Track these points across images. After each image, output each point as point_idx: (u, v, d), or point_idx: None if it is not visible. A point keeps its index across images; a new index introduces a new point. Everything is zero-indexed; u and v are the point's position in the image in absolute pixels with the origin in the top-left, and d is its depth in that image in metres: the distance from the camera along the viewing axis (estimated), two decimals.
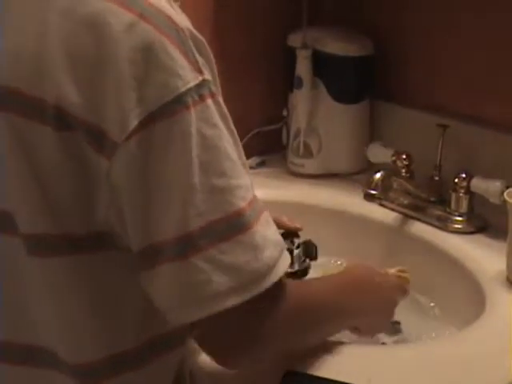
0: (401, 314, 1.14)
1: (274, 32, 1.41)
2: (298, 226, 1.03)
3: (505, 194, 1.05)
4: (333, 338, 1.03)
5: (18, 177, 0.68)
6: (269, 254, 0.71)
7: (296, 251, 1.02)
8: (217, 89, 0.71)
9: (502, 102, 1.22)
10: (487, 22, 1.21)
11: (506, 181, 1.12)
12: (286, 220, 1.03)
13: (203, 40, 0.70)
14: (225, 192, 0.68)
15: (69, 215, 0.68)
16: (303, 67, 1.33)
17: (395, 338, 1.08)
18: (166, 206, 0.66)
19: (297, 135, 1.37)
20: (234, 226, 0.69)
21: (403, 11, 1.33)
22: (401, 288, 0.97)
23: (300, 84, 1.33)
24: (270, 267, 0.71)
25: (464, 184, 1.17)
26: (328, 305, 0.83)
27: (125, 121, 0.64)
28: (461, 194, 1.18)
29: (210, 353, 0.76)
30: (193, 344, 0.81)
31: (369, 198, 1.27)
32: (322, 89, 1.34)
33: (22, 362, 0.75)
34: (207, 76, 0.69)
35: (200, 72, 0.68)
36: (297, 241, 1.03)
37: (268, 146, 1.45)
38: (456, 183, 1.18)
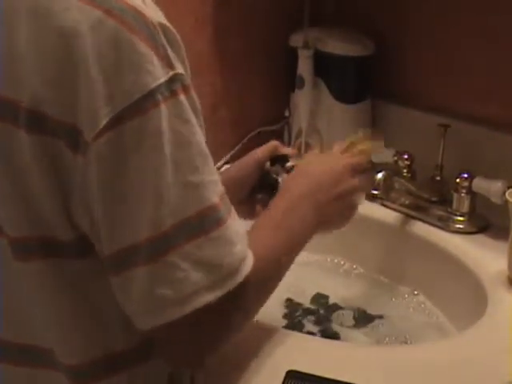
0: (400, 312, 1.14)
1: (275, 32, 1.41)
2: (291, 150, 1.03)
3: (506, 193, 1.05)
4: (333, 338, 1.04)
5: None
6: (240, 247, 0.71)
7: (282, 177, 1.01)
8: (189, 82, 0.70)
9: (503, 101, 1.22)
10: (488, 21, 1.21)
11: (507, 181, 1.12)
12: (278, 144, 1.03)
13: (175, 33, 0.68)
14: (199, 188, 0.68)
15: (48, 217, 0.68)
16: (305, 67, 1.33)
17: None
18: (138, 207, 0.65)
19: (298, 135, 1.37)
20: (209, 221, 0.68)
21: (404, 11, 1.33)
22: (349, 185, 0.92)
23: (302, 84, 1.33)
24: (242, 260, 0.71)
25: (466, 184, 1.17)
26: (282, 257, 0.82)
27: (95, 119, 0.63)
28: (462, 194, 1.18)
29: (179, 356, 0.74)
30: None
31: (370, 197, 1.27)
32: (324, 89, 1.34)
33: (20, 361, 0.75)
34: (179, 70, 0.67)
35: (171, 66, 0.66)
36: (288, 164, 1.02)
37: None
38: (458, 183, 1.18)
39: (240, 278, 0.71)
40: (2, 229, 0.70)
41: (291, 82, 1.36)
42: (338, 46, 1.33)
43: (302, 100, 1.35)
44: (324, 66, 1.33)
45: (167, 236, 0.66)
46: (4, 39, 0.66)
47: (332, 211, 0.91)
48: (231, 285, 0.70)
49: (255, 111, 1.43)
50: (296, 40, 1.35)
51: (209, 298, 0.68)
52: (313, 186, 0.89)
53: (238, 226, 0.72)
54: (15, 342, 0.75)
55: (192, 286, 0.67)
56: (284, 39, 1.38)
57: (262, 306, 0.80)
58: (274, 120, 1.44)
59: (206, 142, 0.71)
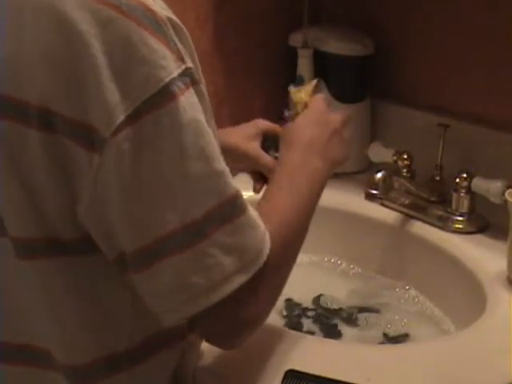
0: (399, 311, 1.14)
1: (274, 31, 1.41)
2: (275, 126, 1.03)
3: (506, 193, 1.05)
4: (334, 336, 1.03)
5: (5, 179, 0.68)
6: (261, 229, 0.72)
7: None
8: (198, 76, 0.70)
9: (502, 101, 1.22)
10: (488, 21, 1.21)
11: (506, 180, 1.12)
12: (268, 124, 1.04)
13: (183, 27, 0.69)
14: (224, 175, 0.69)
15: (54, 217, 0.68)
16: (304, 67, 1.33)
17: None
18: (164, 201, 0.66)
19: None
20: (235, 207, 0.69)
21: (404, 11, 1.33)
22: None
23: (301, 83, 1.33)
24: (264, 240, 0.72)
25: (465, 184, 1.17)
26: (299, 214, 0.82)
27: (111, 116, 0.63)
28: (462, 194, 1.18)
29: (217, 339, 0.76)
30: (194, 343, 0.81)
31: (370, 197, 1.27)
32: (323, 88, 1.34)
33: (20, 362, 0.75)
34: (189, 64, 0.68)
35: (182, 61, 0.67)
36: None
37: None
38: (457, 183, 1.18)
39: (264, 257, 0.72)
40: (5, 228, 0.70)
41: (291, 81, 1.36)
42: (337, 46, 1.33)
43: None
44: (323, 65, 1.33)
45: (198, 225, 0.67)
46: (11, 39, 0.66)
47: (334, 149, 0.91)
48: (258, 265, 0.71)
49: (254, 111, 1.43)
50: (295, 39, 1.35)
51: (240, 280, 0.70)
52: (308, 139, 0.89)
53: (254, 210, 0.73)
54: (14, 343, 0.75)
55: (223, 271, 0.68)
56: (283, 39, 1.38)
57: (289, 269, 0.80)
58: (273, 119, 1.44)
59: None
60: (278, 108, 1.42)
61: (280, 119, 1.41)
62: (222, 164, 0.69)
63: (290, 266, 0.80)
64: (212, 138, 0.69)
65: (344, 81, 1.35)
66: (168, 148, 0.65)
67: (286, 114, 1.41)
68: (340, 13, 1.44)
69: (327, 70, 1.34)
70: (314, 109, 0.95)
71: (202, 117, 0.68)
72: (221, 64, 1.36)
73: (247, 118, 1.41)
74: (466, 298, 1.07)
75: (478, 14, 1.22)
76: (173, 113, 0.65)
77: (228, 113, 1.39)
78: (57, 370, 0.74)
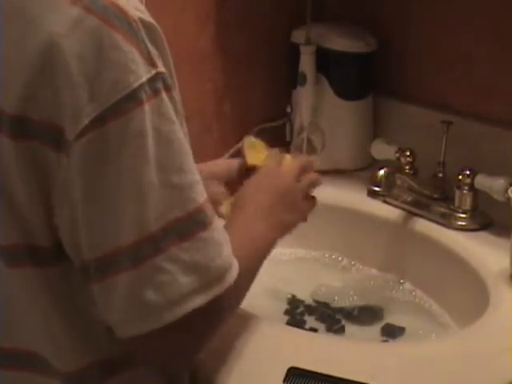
0: (401, 308, 1.14)
1: (277, 28, 1.41)
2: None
3: (509, 191, 1.05)
4: (337, 333, 1.03)
5: None
6: (227, 248, 0.70)
7: None
8: (172, 81, 0.68)
9: (506, 98, 1.21)
10: (490, 18, 1.21)
11: (510, 178, 1.12)
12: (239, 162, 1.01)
13: (158, 29, 0.67)
14: (184, 188, 0.66)
15: (32, 224, 0.67)
16: (307, 63, 1.33)
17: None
18: (122, 209, 0.64)
19: (300, 132, 1.37)
20: (196, 222, 0.67)
21: (407, 8, 1.33)
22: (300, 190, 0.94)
23: (304, 80, 1.33)
24: (230, 262, 0.70)
25: (468, 181, 1.17)
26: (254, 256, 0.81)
27: (77, 119, 0.62)
28: (465, 191, 1.18)
29: (152, 362, 0.73)
30: None
31: (372, 194, 1.27)
32: (326, 85, 1.34)
33: (16, 367, 0.74)
34: (161, 68, 0.66)
35: (153, 65, 0.65)
36: None
37: (271, 142, 1.45)
38: (460, 180, 1.17)
39: (231, 279, 0.69)
40: None
41: (293, 78, 1.36)
42: (340, 43, 1.32)
43: (303, 96, 1.35)
44: (326, 62, 1.33)
45: (154, 239, 0.65)
46: None
47: (281, 213, 0.89)
48: (221, 287, 0.68)
49: (257, 108, 1.43)
50: (298, 36, 1.35)
51: (197, 302, 0.67)
52: (254, 204, 0.87)
53: (222, 228, 0.71)
54: (11, 348, 0.74)
55: (180, 290, 0.66)
56: (286, 35, 1.38)
57: (242, 302, 0.79)
58: (275, 116, 1.44)
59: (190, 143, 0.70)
60: (280, 105, 1.42)
61: (283, 117, 1.42)
62: (184, 176, 0.66)
63: (238, 305, 0.78)
64: (178, 148, 0.66)
65: (346, 78, 1.35)
66: (129, 157, 0.64)
67: (288, 110, 1.41)
68: (343, 9, 1.44)
69: (330, 67, 1.34)
70: (263, 173, 0.93)
71: (170, 126, 0.66)
72: (222, 61, 1.36)
73: (248, 116, 1.42)
74: (469, 296, 1.07)
75: (481, 12, 1.22)
76: (138, 121, 0.63)
77: (229, 110, 1.38)
78: (53, 375, 0.73)
